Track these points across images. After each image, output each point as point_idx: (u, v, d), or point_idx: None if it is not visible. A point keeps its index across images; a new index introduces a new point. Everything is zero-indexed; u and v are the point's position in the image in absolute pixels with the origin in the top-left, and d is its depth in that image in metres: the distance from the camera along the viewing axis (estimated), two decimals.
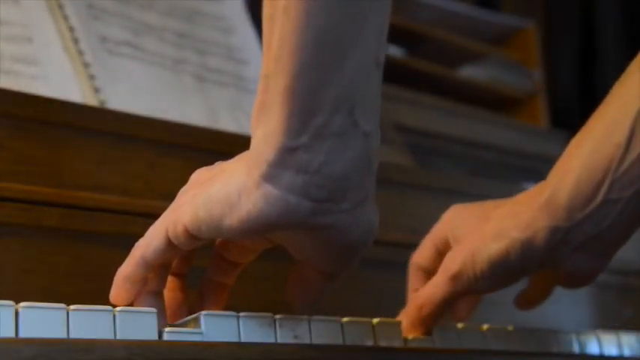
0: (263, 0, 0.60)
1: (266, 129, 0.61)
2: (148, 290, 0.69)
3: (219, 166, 0.68)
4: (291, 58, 0.59)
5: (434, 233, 0.84)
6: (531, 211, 0.77)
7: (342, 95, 0.60)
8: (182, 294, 0.72)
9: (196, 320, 0.67)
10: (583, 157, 0.75)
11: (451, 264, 0.79)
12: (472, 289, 0.79)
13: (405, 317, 0.80)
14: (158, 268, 0.69)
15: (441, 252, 0.83)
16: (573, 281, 0.80)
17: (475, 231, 0.79)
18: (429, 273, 0.83)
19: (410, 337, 0.78)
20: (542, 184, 0.79)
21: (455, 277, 0.78)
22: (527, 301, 0.88)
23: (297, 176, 0.60)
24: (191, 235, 0.66)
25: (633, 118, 0.74)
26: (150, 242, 0.68)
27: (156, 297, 0.70)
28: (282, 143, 0.60)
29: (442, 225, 0.84)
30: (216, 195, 0.64)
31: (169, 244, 0.67)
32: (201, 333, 0.66)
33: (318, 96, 0.59)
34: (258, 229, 0.63)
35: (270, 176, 0.61)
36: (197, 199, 0.65)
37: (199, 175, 0.70)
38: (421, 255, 0.84)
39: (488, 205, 0.82)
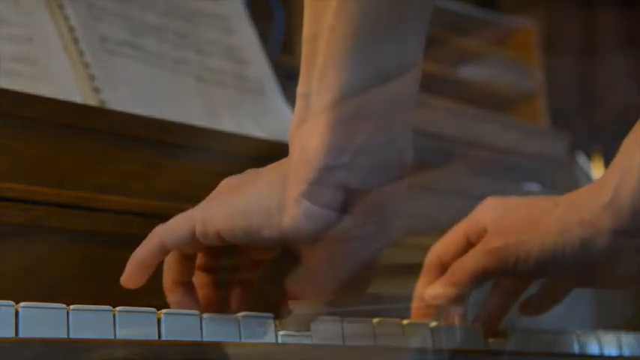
0: (304, 20, 0.61)
1: (306, 146, 0.62)
2: (178, 280, 0.71)
3: (252, 173, 0.69)
4: (337, 78, 0.60)
5: (467, 224, 0.82)
6: (594, 210, 0.76)
7: (384, 115, 0.60)
8: (214, 289, 0.73)
9: None
10: None
11: (494, 238, 0.77)
12: (506, 270, 0.77)
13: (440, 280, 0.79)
14: (183, 260, 0.71)
15: (473, 245, 0.81)
16: (618, 284, 0.79)
17: (525, 221, 0.78)
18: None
19: (406, 322, 0.77)
20: (600, 181, 0.77)
21: (493, 251, 0.77)
22: (536, 307, 0.86)
23: (336, 193, 0.62)
24: (221, 238, 0.67)
25: None
26: (173, 231, 0.69)
27: (187, 287, 0.71)
28: (323, 163, 0.62)
29: (479, 216, 0.81)
30: (255, 207, 0.65)
31: (193, 238, 0.68)
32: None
33: (360, 116, 0.60)
34: (297, 241, 0.65)
35: (310, 194, 0.62)
36: (233, 206, 0.66)
37: (230, 181, 0.71)
38: (446, 246, 0.82)
39: (538, 201, 0.80)
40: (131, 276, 0.70)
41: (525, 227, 0.77)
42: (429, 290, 0.80)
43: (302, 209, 0.63)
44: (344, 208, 0.63)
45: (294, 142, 0.63)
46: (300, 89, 0.62)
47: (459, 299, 0.80)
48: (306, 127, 0.62)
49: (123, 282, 0.70)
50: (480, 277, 0.78)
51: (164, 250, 0.70)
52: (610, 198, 0.75)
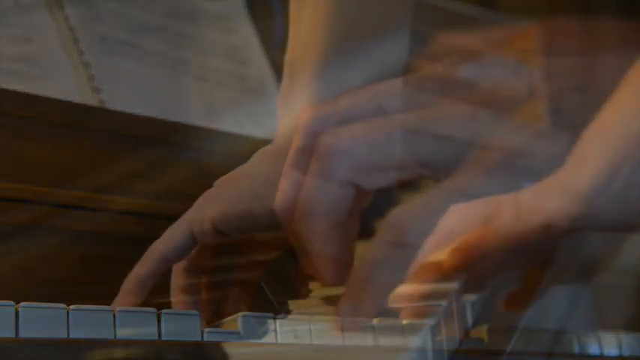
0: None
1: (291, 113, 0.61)
2: (185, 287, 0.71)
3: (241, 167, 0.69)
4: (318, 44, 0.60)
5: (439, 234, 0.82)
6: (552, 196, 0.76)
7: (369, 79, 0.60)
8: (214, 292, 0.73)
9: None
10: (601, 145, 0.75)
11: (460, 238, 0.75)
12: (477, 267, 0.77)
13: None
14: (191, 267, 0.71)
15: None
16: (582, 274, 0.79)
17: (485, 216, 0.78)
18: None
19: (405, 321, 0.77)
20: (559, 170, 0.77)
21: (460, 250, 0.75)
22: (518, 302, 0.86)
23: (324, 160, 0.59)
24: (217, 231, 0.67)
25: None
26: (171, 240, 0.69)
27: (193, 296, 0.71)
28: (309, 128, 0.59)
29: (447, 225, 0.82)
30: (243, 189, 0.65)
31: (192, 241, 0.68)
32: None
33: (344, 81, 0.60)
34: (287, 217, 0.62)
35: (298, 163, 0.60)
36: (223, 196, 0.66)
37: (219, 180, 0.70)
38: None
39: (499, 197, 0.80)
40: (130, 295, 0.69)
41: (486, 221, 0.77)
42: (400, 290, 0.79)
43: (289, 179, 0.60)
44: (332, 177, 0.59)
45: (282, 111, 0.63)
46: (287, 57, 0.62)
47: (426, 298, 0.80)
48: (292, 92, 0.62)
49: (120, 304, 0.69)
50: (451, 276, 0.78)
51: (166, 263, 0.69)
52: (567, 184, 0.75)
